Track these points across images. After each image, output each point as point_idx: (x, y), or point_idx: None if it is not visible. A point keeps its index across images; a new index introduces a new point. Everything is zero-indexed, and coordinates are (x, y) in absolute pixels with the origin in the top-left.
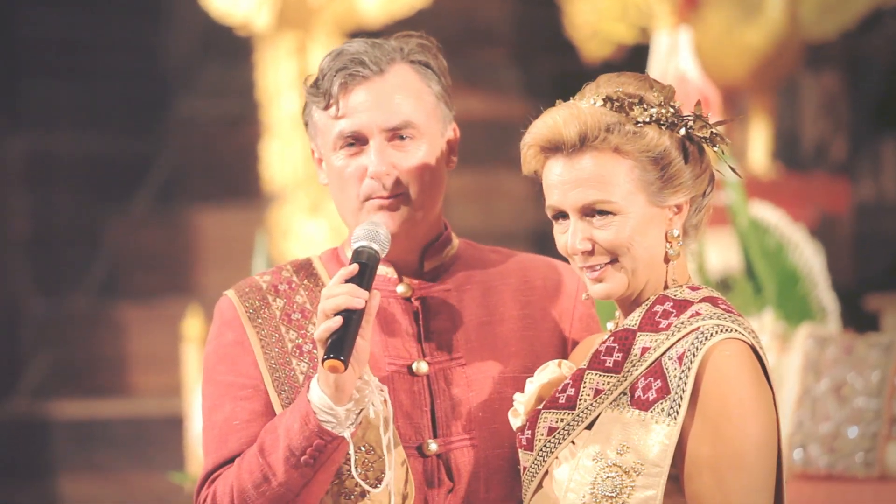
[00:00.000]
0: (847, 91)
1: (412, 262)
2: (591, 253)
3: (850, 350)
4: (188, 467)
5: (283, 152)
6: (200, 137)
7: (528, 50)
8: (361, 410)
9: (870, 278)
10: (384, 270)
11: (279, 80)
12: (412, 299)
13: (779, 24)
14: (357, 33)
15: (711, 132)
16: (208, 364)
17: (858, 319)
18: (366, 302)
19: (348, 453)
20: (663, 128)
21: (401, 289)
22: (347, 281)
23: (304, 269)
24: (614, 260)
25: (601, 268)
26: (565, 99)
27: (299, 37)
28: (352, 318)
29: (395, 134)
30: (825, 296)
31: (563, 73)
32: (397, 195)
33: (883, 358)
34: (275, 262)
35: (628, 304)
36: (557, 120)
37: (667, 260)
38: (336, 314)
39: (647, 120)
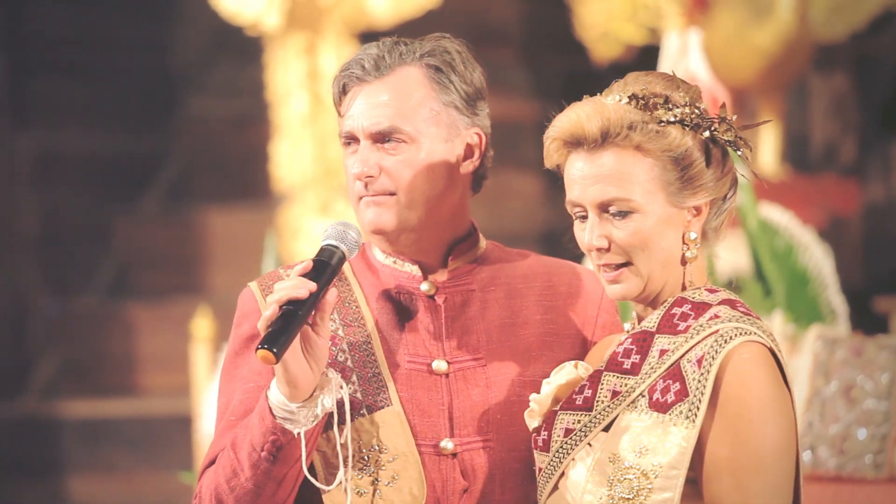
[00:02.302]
0: (856, 92)
1: (437, 261)
2: (608, 250)
3: (859, 352)
4: (196, 467)
5: (292, 152)
6: (210, 137)
7: (537, 50)
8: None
9: (879, 280)
10: (410, 268)
11: (289, 80)
12: (435, 297)
13: (788, 25)
14: (367, 34)
15: (736, 135)
16: (227, 354)
17: (868, 321)
18: (320, 298)
19: (350, 448)
20: (687, 128)
21: (425, 286)
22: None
23: None
24: (629, 262)
25: (617, 269)
26: (574, 100)
27: (309, 37)
28: (295, 313)
29: (381, 137)
30: (834, 297)
31: (572, 74)
32: (385, 195)
33: (892, 360)
34: (284, 262)
35: (646, 305)
36: (581, 114)
37: (684, 262)
38: (281, 306)
39: (671, 120)
